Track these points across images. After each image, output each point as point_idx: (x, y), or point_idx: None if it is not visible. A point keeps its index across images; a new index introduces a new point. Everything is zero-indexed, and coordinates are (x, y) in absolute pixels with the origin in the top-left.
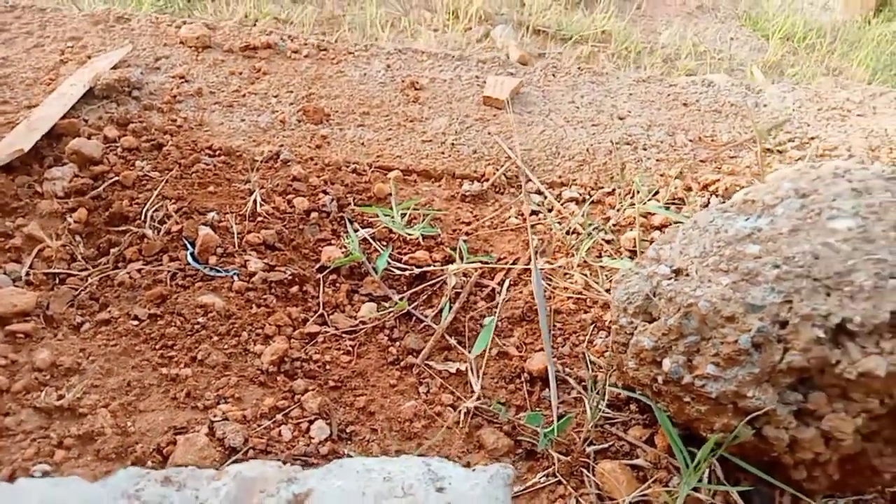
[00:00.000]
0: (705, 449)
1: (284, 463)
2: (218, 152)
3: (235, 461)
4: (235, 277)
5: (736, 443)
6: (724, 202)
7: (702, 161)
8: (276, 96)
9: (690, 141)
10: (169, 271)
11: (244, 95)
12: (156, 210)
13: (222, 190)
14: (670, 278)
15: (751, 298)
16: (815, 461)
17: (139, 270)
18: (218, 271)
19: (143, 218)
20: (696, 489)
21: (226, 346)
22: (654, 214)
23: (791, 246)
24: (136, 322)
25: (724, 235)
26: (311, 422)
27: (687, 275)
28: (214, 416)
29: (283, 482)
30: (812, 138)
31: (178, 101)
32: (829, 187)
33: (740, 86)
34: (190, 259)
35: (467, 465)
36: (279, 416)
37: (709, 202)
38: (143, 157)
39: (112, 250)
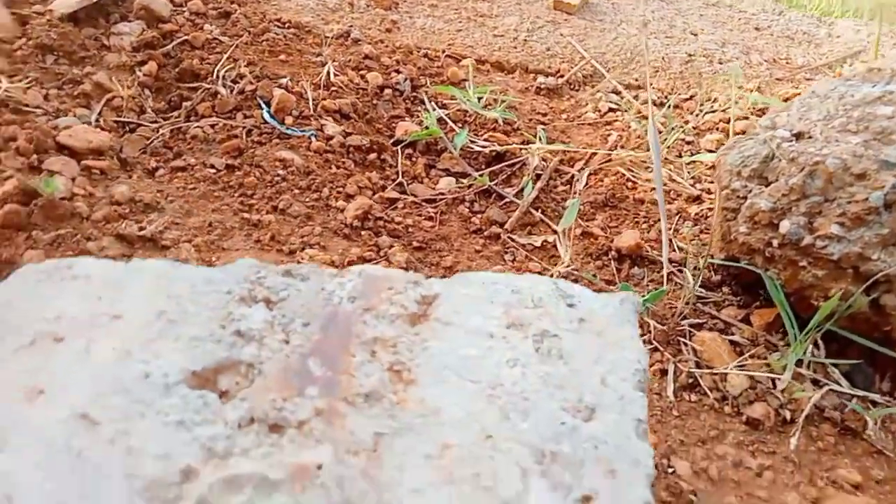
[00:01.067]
0: (821, 314)
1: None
2: (287, 25)
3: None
4: (313, 138)
5: (849, 313)
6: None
7: (777, 79)
8: None
9: (765, 61)
10: (244, 127)
11: None
12: (228, 70)
13: (294, 59)
14: (790, 141)
15: (884, 156)
16: None
17: (213, 126)
18: (295, 131)
19: (214, 76)
20: (797, 363)
21: (307, 200)
22: (727, 122)
23: None
24: (213, 170)
25: (849, 100)
26: None
27: (810, 137)
28: (301, 259)
29: (409, 283)
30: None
31: None
32: None
33: (812, 17)
34: (267, 116)
35: None
36: (368, 266)
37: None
38: (211, 21)
39: (184, 104)
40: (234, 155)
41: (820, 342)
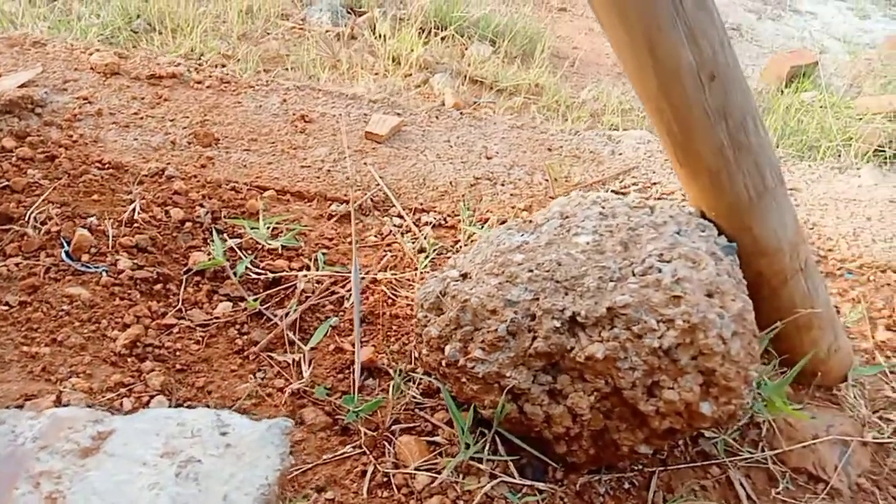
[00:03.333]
0: (469, 418)
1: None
2: (107, 166)
3: None
4: (104, 273)
5: (505, 417)
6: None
7: (551, 197)
8: (171, 120)
9: (545, 180)
10: (44, 266)
11: (142, 118)
12: (40, 212)
13: (105, 199)
14: (458, 280)
15: (509, 295)
16: (568, 435)
17: (17, 264)
18: (88, 267)
19: (26, 219)
20: (478, 459)
21: (85, 331)
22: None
23: (544, 255)
24: (5, 307)
25: (501, 247)
26: (151, 396)
27: (470, 278)
28: (64, 387)
29: (90, 422)
30: (654, 183)
31: (78, 120)
32: (584, 211)
33: (602, 136)
34: (64, 255)
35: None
36: (123, 390)
37: None
38: (36, 166)
39: None
40: (29, 292)
41: (498, 441)
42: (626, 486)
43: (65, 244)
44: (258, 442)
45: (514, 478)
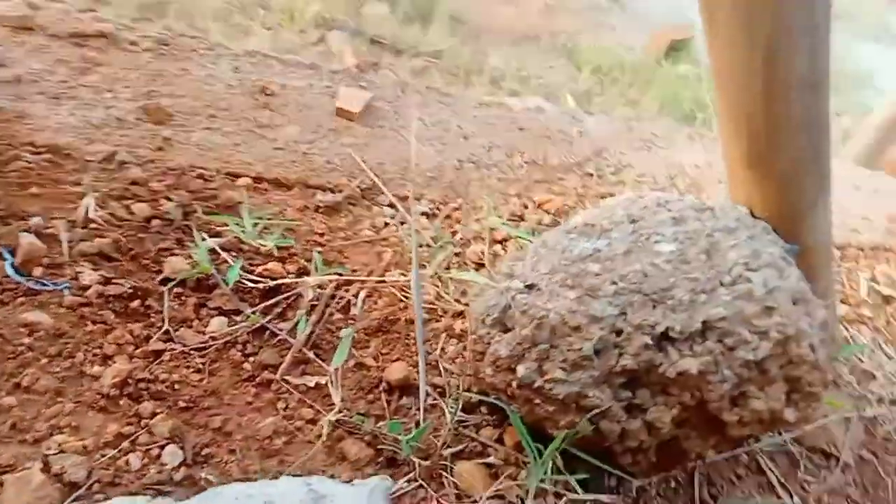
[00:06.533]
0: (555, 444)
1: (153, 495)
2: (42, 150)
3: (78, 498)
4: (66, 291)
5: (577, 437)
6: (563, 222)
7: (536, 181)
8: (110, 91)
9: (526, 163)
10: None
11: (73, 87)
12: None
13: (48, 192)
14: (524, 293)
15: (593, 310)
16: (639, 448)
17: None
18: (45, 285)
19: None
20: (540, 480)
21: (57, 370)
22: (495, 230)
23: (625, 265)
24: None
25: (569, 255)
26: (161, 447)
27: (539, 289)
28: (49, 448)
29: None
30: (626, 165)
31: None
32: (654, 215)
33: (566, 114)
34: (10, 270)
35: (332, 477)
36: (125, 444)
37: (541, 220)
38: None
39: None
40: None
41: (559, 459)
42: (673, 484)
43: (6, 255)
44: None
45: (578, 493)
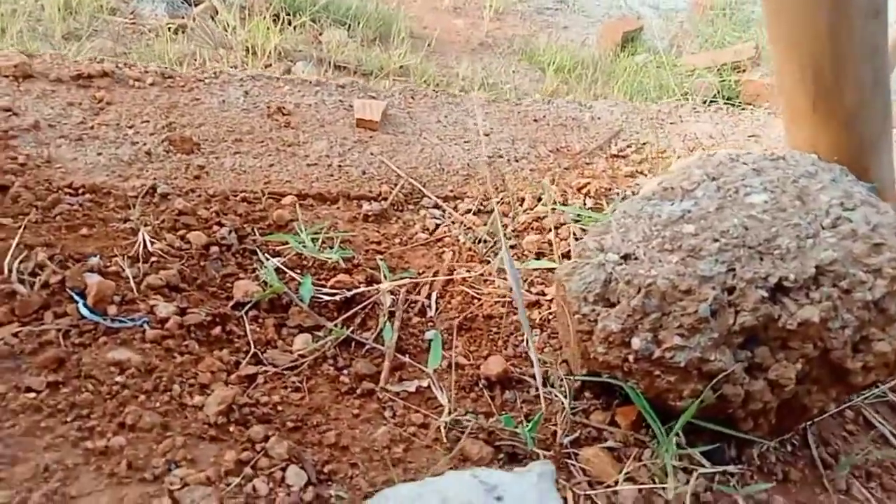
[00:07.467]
0: (686, 415)
1: None
2: (81, 190)
3: None
4: (146, 326)
5: (700, 406)
6: (632, 195)
7: (565, 168)
8: (131, 127)
9: (551, 152)
10: (59, 329)
11: (92, 127)
12: (22, 261)
13: (98, 232)
14: (621, 264)
15: (700, 271)
16: (762, 409)
17: (16, 334)
18: (123, 321)
19: (6, 272)
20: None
21: (157, 405)
22: (544, 217)
23: (721, 221)
24: (32, 394)
25: (658, 220)
26: (283, 469)
27: (636, 258)
28: (172, 484)
29: None
30: (644, 143)
31: (13, 137)
32: (733, 170)
33: (572, 103)
34: (85, 311)
35: None
36: (247, 470)
37: (584, 203)
38: None
39: None
40: (54, 368)
41: (681, 433)
42: (789, 448)
43: (76, 297)
44: (541, 500)
45: (706, 466)
